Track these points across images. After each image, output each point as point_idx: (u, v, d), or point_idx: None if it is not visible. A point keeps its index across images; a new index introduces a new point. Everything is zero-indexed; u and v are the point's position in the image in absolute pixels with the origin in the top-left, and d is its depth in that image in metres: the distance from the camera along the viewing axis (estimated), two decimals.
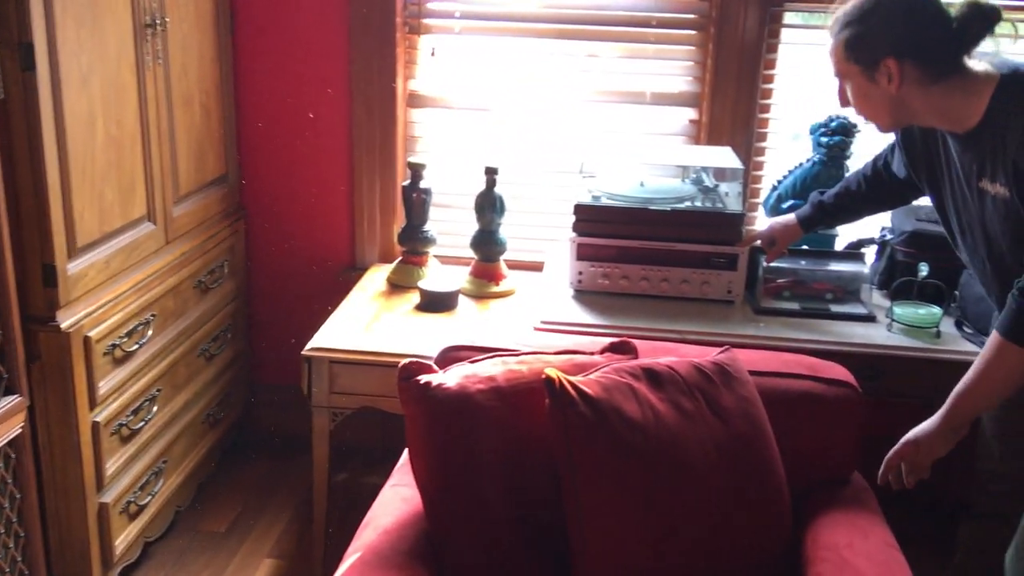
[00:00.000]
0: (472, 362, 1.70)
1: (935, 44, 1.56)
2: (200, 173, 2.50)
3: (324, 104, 2.73)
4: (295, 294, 2.87)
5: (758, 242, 2.25)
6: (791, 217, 2.19)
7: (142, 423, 2.24)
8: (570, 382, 1.54)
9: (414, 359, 1.64)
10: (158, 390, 2.32)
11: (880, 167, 2.04)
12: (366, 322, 2.36)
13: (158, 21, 2.20)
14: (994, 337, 1.58)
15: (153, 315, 2.27)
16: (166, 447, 2.38)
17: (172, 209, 2.36)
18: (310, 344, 2.22)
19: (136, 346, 2.19)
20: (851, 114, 1.76)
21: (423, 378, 1.62)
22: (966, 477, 1.92)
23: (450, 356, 1.81)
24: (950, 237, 1.82)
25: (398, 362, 1.64)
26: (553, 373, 1.54)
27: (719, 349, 1.75)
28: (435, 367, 1.67)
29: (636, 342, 1.81)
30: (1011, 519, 1.69)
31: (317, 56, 2.69)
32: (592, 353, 1.75)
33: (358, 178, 2.77)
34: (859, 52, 1.60)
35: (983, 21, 1.55)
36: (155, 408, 2.30)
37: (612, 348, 1.77)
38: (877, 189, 2.05)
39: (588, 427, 1.52)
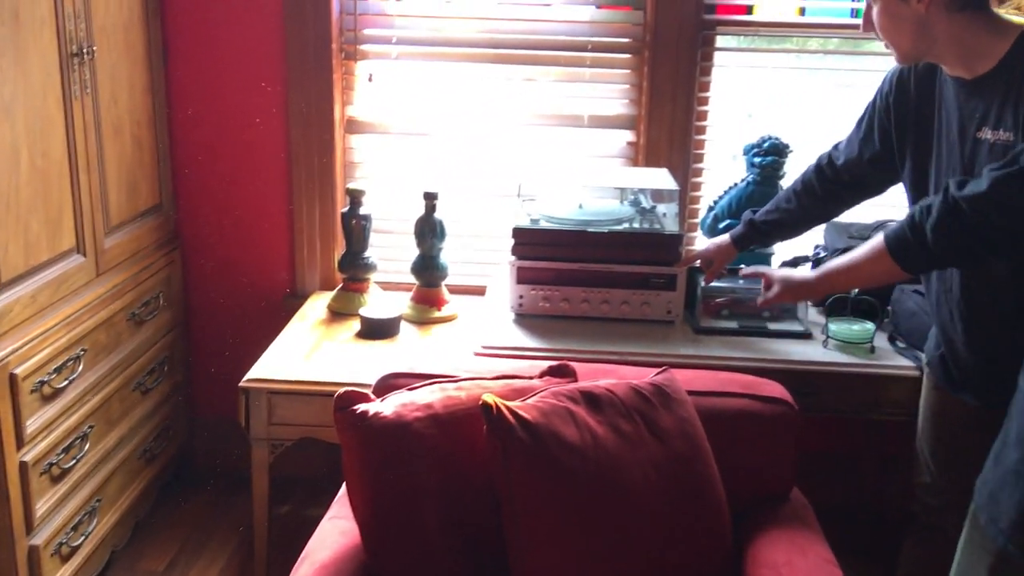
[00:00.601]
0: (410, 389, 1.68)
1: None
2: (132, 203, 2.45)
3: (261, 131, 2.70)
4: (235, 324, 2.81)
5: (696, 263, 2.27)
6: (725, 237, 2.22)
7: (73, 461, 2.18)
8: (508, 407, 1.53)
9: (350, 388, 1.62)
10: (90, 427, 2.25)
11: (811, 177, 2.08)
12: (306, 351, 2.32)
13: (85, 50, 2.16)
14: (879, 242, 1.64)
15: (84, 350, 2.21)
16: (100, 485, 2.31)
17: (103, 240, 2.30)
18: (247, 375, 2.18)
19: (66, 382, 2.13)
20: (872, 38, 1.76)
21: (359, 407, 1.59)
22: (907, 493, 1.95)
23: (388, 384, 1.79)
24: None
25: (338, 391, 1.62)
26: (490, 399, 1.53)
27: (657, 370, 1.76)
28: (372, 396, 1.65)
29: (576, 365, 1.81)
30: (949, 533, 1.71)
31: (253, 83, 2.66)
32: (531, 377, 1.75)
33: (297, 205, 2.74)
34: None
35: None
36: (87, 445, 2.23)
37: (551, 371, 1.76)
38: (809, 199, 2.09)
39: (527, 453, 1.51)
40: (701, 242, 2.72)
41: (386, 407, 1.60)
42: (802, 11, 2.64)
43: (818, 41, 2.70)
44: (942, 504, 1.83)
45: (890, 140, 1.85)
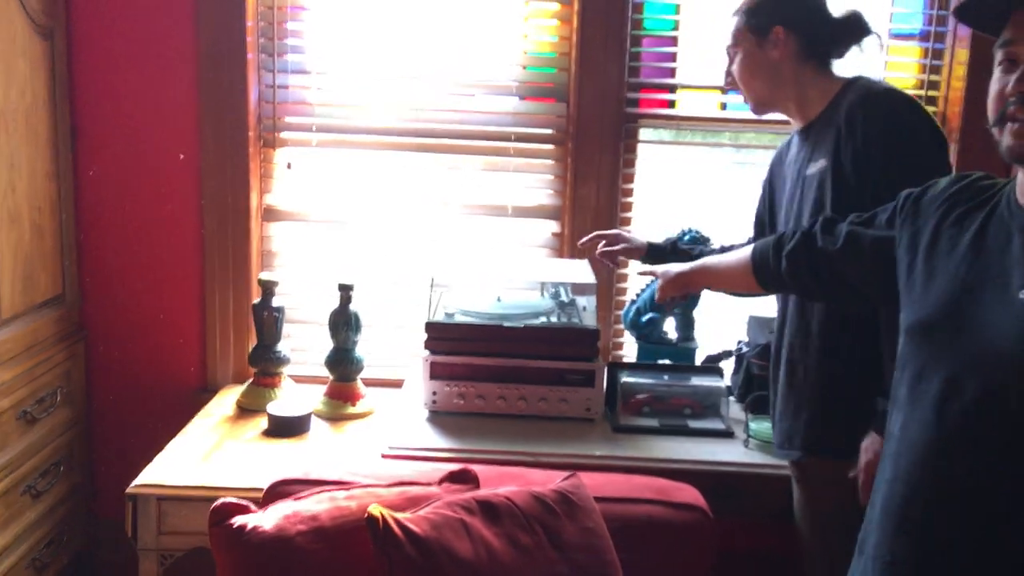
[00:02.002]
0: (296, 499, 1.57)
1: (816, 27, 1.82)
2: (29, 295, 2.33)
3: (174, 219, 2.61)
4: (141, 420, 2.67)
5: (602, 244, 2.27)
6: (644, 239, 2.25)
7: None
8: (396, 520, 1.42)
9: (228, 500, 1.50)
10: None
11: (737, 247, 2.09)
12: (205, 452, 2.19)
13: None
14: (746, 255, 1.69)
15: None
16: None
17: None
18: (136, 480, 2.04)
19: None
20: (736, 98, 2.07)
21: (237, 521, 1.48)
22: None
23: (277, 492, 1.68)
24: None
25: (215, 503, 1.50)
26: (376, 511, 1.42)
27: (564, 475, 1.66)
28: (253, 508, 1.53)
29: (481, 468, 1.71)
30: None
31: (166, 170, 2.58)
32: (429, 484, 1.64)
33: (210, 295, 2.64)
34: (756, 19, 1.83)
35: (857, 29, 1.82)
36: None
37: (451, 477, 1.66)
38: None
39: (415, 570, 1.40)
40: (626, 337, 2.67)
41: (267, 520, 1.48)
42: (723, 106, 2.65)
43: (750, 135, 2.71)
44: None
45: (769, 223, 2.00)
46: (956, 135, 2.52)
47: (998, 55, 1.21)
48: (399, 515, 1.44)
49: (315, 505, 1.53)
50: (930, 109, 2.55)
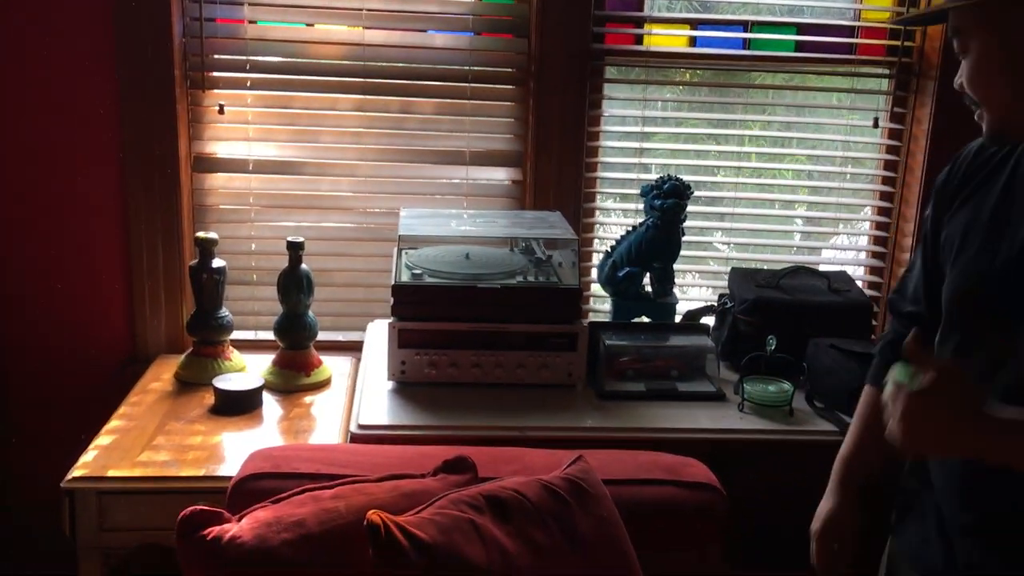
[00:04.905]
0: (274, 502, 1.37)
1: None
2: None
3: (89, 172, 2.31)
4: (63, 397, 2.40)
5: None
6: None
7: None
8: (398, 526, 1.25)
9: (198, 508, 1.30)
10: None
11: None
12: (147, 435, 1.95)
13: None
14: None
15: None
16: None
17: None
18: (72, 472, 1.80)
19: None
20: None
21: (211, 532, 1.28)
22: None
23: (248, 488, 1.48)
24: None
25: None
26: (377, 518, 1.24)
27: (570, 459, 1.51)
28: (227, 514, 1.33)
29: (475, 451, 1.55)
30: None
31: (79, 117, 2.27)
32: (423, 475, 1.47)
33: (136, 256, 2.36)
34: None
35: None
36: None
37: (447, 467, 1.49)
38: None
39: None
40: (596, 291, 2.52)
41: (245, 529, 1.29)
42: (693, 42, 2.48)
43: (723, 74, 2.54)
44: None
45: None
46: (936, 72, 2.42)
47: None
48: (401, 519, 1.27)
49: (298, 508, 1.34)
50: (907, 45, 2.46)
